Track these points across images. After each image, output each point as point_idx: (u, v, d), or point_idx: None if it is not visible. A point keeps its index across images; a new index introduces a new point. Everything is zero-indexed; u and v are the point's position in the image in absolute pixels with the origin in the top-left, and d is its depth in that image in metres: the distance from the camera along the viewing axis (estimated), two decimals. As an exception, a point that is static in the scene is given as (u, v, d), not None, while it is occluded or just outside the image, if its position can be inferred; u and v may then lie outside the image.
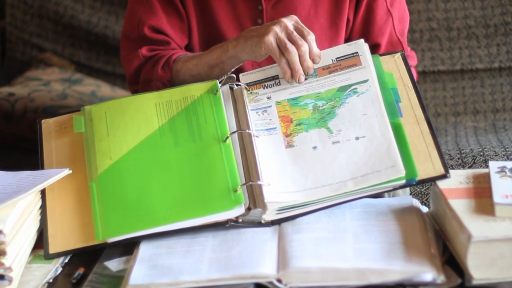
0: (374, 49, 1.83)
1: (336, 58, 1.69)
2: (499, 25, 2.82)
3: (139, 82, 1.90)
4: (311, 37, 1.66)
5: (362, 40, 1.70)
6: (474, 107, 2.85)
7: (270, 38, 1.65)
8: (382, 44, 1.92)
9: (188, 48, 1.95)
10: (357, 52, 1.68)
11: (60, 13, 3.05)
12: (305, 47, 1.65)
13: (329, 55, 1.69)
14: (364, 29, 1.92)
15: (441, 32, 2.85)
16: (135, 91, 1.93)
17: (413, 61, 2.02)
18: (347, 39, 1.93)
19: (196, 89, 1.67)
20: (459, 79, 2.86)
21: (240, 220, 1.50)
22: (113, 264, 1.46)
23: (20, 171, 1.58)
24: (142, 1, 1.90)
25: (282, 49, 1.65)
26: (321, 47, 1.80)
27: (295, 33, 1.66)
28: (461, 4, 2.84)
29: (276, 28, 1.65)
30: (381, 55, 1.69)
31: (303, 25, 1.68)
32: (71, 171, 1.57)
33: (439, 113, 2.86)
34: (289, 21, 1.67)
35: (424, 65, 2.86)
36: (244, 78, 1.70)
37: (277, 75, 1.69)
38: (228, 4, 1.90)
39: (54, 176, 1.54)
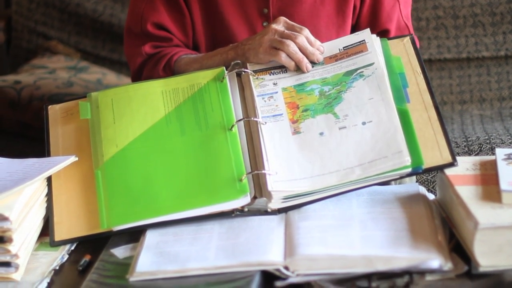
0: (383, 35, 1.82)
1: (344, 47, 1.68)
2: (506, 13, 2.81)
3: (142, 79, 1.90)
4: (305, 31, 1.68)
5: (368, 30, 1.70)
6: (480, 95, 2.84)
7: (265, 47, 1.67)
8: (391, 30, 1.91)
9: (194, 42, 1.95)
10: (364, 40, 1.68)
11: (65, 1, 3.05)
12: (301, 38, 1.66)
13: (336, 45, 1.69)
14: (372, 15, 1.91)
15: (447, 20, 2.84)
16: None
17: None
18: (354, 26, 1.93)
19: (203, 77, 1.67)
20: (465, 67, 2.86)
21: (246, 209, 1.50)
22: (120, 252, 1.46)
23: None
24: None
25: (277, 46, 1.66)
26: (328, 34, 1.79)
27: (286, 31, 1.68)
28: (467, -8, 2.83)
29: (268, 36, 1.68)
30: (389, 38, 1.69)
31: (293, 23, 1.70)
32: (77, 158, 1.57)
33: (445, 101, 2.85)
34: (277, 25, 1.70)
35: (430, 53, 2.85)
36: (252, 65, 1.70)
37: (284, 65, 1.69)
38: (234, -6, 1.89)
39: (60, 163, 1.53)
